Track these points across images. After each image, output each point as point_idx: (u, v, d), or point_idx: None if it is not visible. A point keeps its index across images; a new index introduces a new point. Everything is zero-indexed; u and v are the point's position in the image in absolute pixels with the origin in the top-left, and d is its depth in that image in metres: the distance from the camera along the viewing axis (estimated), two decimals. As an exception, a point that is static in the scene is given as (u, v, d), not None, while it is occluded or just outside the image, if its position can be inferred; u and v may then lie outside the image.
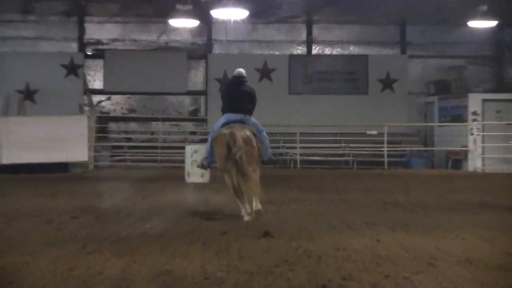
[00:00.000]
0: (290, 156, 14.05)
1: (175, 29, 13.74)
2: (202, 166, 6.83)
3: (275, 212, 6.62)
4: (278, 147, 14.22)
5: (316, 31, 14.63)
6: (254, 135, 6.35)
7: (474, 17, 12.13)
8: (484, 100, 13.07)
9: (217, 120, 6.68)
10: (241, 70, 6.98)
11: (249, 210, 6.04)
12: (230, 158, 6.04)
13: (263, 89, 13.22)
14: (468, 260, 4.16)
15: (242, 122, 6.44)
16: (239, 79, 6.79)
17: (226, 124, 6.40)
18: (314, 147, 13.95)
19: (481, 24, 12.61)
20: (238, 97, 6.60)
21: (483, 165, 12.85)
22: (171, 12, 11.84)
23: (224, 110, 6.63)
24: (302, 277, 3.68)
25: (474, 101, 12.96)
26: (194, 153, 10.20)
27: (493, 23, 12.60)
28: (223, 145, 6.15)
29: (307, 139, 13.85)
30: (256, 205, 6.09)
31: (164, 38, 14.54)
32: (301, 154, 13.81)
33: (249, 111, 6.61)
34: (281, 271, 3.82)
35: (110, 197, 8.07)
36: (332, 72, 14.65)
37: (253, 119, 6.65)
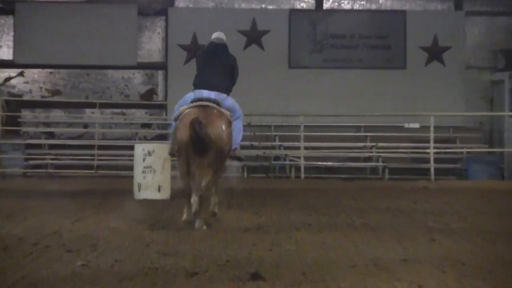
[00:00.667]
0: (290, 160, 14.87)
1: None
2: (172, 154, 7.95)
3: (269, 244, 6.76)
4: (273, 147, 15.12)
5: None
6: (227, 121, 7.42)
7: None
8: None
9: (183, 96, 7.67)
10: (221, 34, 7.91)
11: (194, 210, 7.27)
12: (189, 145, 7.15)
13: (250, 60, 14.48)
14: None
15: (215, 102, 7.34)
16: (217, 46, 7.72)
17: (193, 102, 7.41)
18: (325, 147, 14.81)
19: None
20: (213, 70, 7.53)
21: None
22: None
23: (195, 86, 7.57)
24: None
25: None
26: (147, 155, 10.67)
27: None
28: (185, 127, 7.16)
29: (315, 136, 14.61)
30: (213, 206, 7.51)
31: None
32: (306, 158, 14.57)
33: (226, 88, 7.51)
34: None
35: (23, 220, 8.30)
36: (353, 35, 15.60)
37: (230, 100, 7.53)
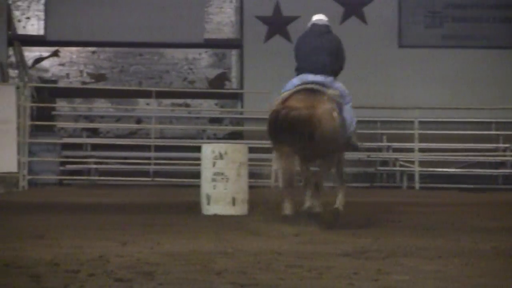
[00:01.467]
0: (401, 166, 15.62)
1: None
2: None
3: (374, 272, 6.90)
4: (380, 149, 15.76)
5: None
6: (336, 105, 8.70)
7: None
8: None
9: (287, 82, 8.99)
10: (322, 16, 9.37)
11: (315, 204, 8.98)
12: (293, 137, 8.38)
13: (349, 37, 14.37)
14: None
15: (322, 85, 8.66)
16: (320, 27, 9.19)
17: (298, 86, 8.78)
18: (446, 150, 15.46)
19: None
20: (317, 53, 8.97)
21: None
22: None
23: (298, 70, 9.03)
24: None
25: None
26: (218, 159, 11.06)
27: None
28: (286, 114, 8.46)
29: (433, 134, 15.31)
30: (339, 201, 9.22)
31: None
32: (422, 163, 15.42)
33: (333, 72, 8.93)
34: None
35: (59, 242, 8.58)
36: (481, 5, 16.19)
37: (338, 83, 8.91)
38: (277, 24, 16.36)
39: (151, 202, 12.55)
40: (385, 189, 15.53)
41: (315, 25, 9.51)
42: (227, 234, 9.40)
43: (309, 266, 6.87)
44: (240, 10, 16.83)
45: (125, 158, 15.90)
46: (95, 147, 16.32)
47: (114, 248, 8.13)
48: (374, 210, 11.87)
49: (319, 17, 9.63)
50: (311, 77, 8.90)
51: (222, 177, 11.05)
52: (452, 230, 9.91)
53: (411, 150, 15.53)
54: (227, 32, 17.24)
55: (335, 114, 8.65)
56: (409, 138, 15.37)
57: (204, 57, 17.90)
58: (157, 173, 15.39)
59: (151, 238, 9.00)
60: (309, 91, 8.84)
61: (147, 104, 16.97)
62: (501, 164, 15.53)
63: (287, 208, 9.27)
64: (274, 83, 15.99)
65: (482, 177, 15.40)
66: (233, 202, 11.07)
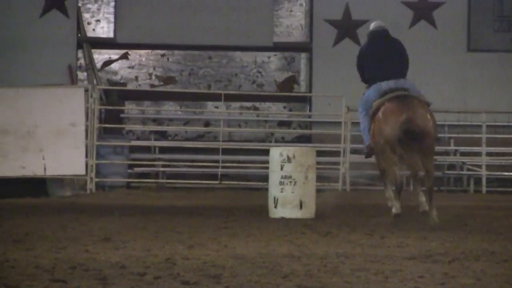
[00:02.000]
0: (468, 169, 16.02)
1: None
2: (370, 154, 10.48)
3: (441, 276, 7.02)
4: (447, 153, 16.06)
5: None
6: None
7: None
8: None
9: (365, 94, 9.89)
10: (380, 22, 9.97)
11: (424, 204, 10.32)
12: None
13: (418, 41, 15.89)
14: None
15: (408, 90, 9.46)
16: (383, 33, 9.81)
17: (386, 93, 9.45)
18: None
19: None
20: (390, 58, 9.64)
21: None
22: None
23: (372, 80, 9.60)
24: None
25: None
26: (286, 162, 11.25)
27: None
28: (396, 122, 9.32)
29: (501, 138, 15.70)
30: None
31: None
32: (489, 167, 15.80)
33: (405, 74, 9.59)
34: None
35: (125, 245, 8.81)
36: None
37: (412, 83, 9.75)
38: (346, 28, 16.74)
39: (218, 205, 12.84)
40: (452, 193, 15.87)
41: (377, 32, 10.17)
42: (294, 237, 9.59)
43: (376, 270, 6.94)
44: (310, 14, 17.31)
45: (193, 161, 16.27)
46: (163, 149, 16.81)
47: (181, 250, 8.29)
48: (441, 213, 11.83)
49: (378, 24, 10.27)
50: (392, 83, 9.70)
51: (290, 180, 11.24)
52: (520, 234, 10.57)
53: (478, 154, 15.89)
54: (297, 35, 17.72)
55: (431, 115, 9.81)
56: (477, 142, 15.70)
57: (273, 60, 18.39)
58: (225, 176, 15.73)
59: (218, 241, 9.18)
60: (405, 98, 9.67)
61: (216, 107, 17.44)
62: None
63: (397, 208, 10.26)
64: (342, 87, 16.36)
65: None
66: (301, 205, 11.34)
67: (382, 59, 10.10)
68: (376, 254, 8.30)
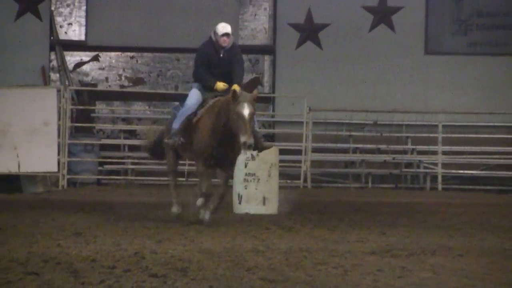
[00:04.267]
0: (425, 167, 16.31)
1: None
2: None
3: (399, 270, 7.11)
4: (405, 152, 16.25)
5: None
6: None
7: None
8: None
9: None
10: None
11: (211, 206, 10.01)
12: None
13: (377, 44, 16.42)
14: None
15: None
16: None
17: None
18: (469, 153, 16.09)
19: None
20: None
21: None
22: None
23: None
24: None
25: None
26: (250, 160, 11.58)
27: None
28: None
29: (456, 138, 15.94)
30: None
31: None
32: (445, 165, 16.08)
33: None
34: None
35: (96, 239, 8.87)
36: (507, 14, 16.88)
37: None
38: (308, 31, 16.98)
39: (185, 201, 12.65)
40: (410, 190, 16.10)
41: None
42: (259, 233, 9.76)
43: (336, 264, 7.02)
44: (273, 18, 17.55)
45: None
46: (132, 148, 16.88)
47: (149, 245, 8.35)
48: (400, 210, 12.17)
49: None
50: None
51: (254, 177, 11.43)
52: (476, 229, 10.21)
53: (435, 152, 16.11)
54: (261, 38, 17.91)
55: None
56: (433, 141, 15.93)
57: None
58: (191, 173, 15.51)
59: (185, 236, 9.33)
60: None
61: (184, 106, 17.46)
62: None
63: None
64: (305, 88, 16.58)
65: (505, 179, 15.93)
66: (264, 201, 11.52)
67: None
68: (338, 249, 8.33)
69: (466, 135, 16.05)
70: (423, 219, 11.42)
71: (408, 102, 16.10)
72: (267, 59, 17.89)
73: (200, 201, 10.44)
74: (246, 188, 11.40)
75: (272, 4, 17.59)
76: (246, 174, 11.46)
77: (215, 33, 10.99)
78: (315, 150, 16.60)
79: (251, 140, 9.91)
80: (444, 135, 15.66)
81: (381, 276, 6.78)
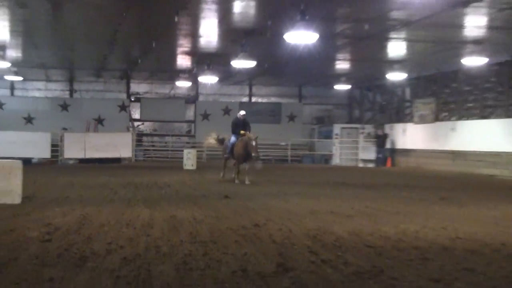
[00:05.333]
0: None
1: (179, 87, 42.78)
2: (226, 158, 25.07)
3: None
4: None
5: (254, 89, 45.07)
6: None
7: (338, 83, 42.78)
8: (342, 128, 43.51)
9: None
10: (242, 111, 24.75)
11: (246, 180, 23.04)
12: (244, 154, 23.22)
13: (227, 119, 42.96)
14: (332, 211, 14.11)
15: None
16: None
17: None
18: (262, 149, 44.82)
19: (342, 87, 43.39)
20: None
21: (340, 162, 43.35)
22: (177, 78, 42.05)
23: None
24: (242, 219, 12.58)
25: (337, 128, 43.47)
26: (188, 154, 32.27)
27: (348, 87, 43.45)
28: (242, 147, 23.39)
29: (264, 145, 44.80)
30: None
31: (173, 91, 44.17)
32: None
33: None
34: (235, 216, 12.92)
35: (144, 176, 23.59)
36: (261, 111, 44.36)
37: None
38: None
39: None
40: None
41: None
42: (191, 174, 28.00)
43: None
44: (195, 112, 42.76)
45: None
46: (154, 150, 42.72)
47: None
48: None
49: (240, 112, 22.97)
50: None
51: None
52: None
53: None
54: (191, 117, 42.75)
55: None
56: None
57: (184, 125, 44.04)
58: None
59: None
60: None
61: None
62: (271, 155, 45.04)
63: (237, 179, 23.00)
64: None
65: (277, 160, 44.29)
66: (192, 165, 31.80)
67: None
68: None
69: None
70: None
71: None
72: (193, 124, 46.29)
73: (246, 179, 22.24)
74: (186, 161, 38.36)
75: (194, 107, 44.11)
76: (186, 159, 39.10)
77: (239, 114, 23.97)
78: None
79: (258, 154, 22.30)
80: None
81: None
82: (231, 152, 23.67)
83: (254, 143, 22.17)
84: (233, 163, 24.16)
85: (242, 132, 23.24)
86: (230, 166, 24.87)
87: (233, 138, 23.76)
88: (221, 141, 26.25)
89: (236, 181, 23.00)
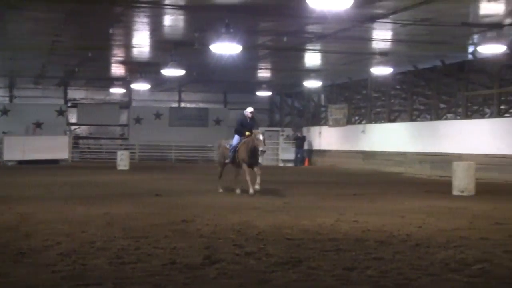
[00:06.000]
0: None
1: (113, 93, 43.37)
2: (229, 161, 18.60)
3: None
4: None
5: (183, 95, 45.44)
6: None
7: (260, 89, 42.92)
8: (266, 131, 43.78)
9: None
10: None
11: (256, 186, 17.37)
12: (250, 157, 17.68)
13: (158, 123, 44.27)
14: (255, 207, 14.77)
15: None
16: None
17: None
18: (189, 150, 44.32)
19: (263, 93, 43.56)
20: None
21: (263, 161, 43.64)
22: (112, 85, 42.11)
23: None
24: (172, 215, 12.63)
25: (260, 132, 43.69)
26: (122, 155, 34.93)
27: (269, 93, 43.65)
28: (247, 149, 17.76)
29: (182, 147, 44.26)
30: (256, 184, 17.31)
31: (108, 97, 44.42)
32: (175, 155, 44.11)
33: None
34: (165, 212, 13.11)
35: (80, 176, 24.37)
36: (190, 116, 45.21)
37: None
38: None
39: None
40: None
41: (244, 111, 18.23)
42: (124, 174, 30.54)
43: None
44: (128, 116, 43.71)
45: None
46: (90, 151, 43.51)
47: None
48: None
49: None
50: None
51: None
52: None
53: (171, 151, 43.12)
54: (125, 121, 43.61)
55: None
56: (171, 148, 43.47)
57: (118, 128, 45.01)
58: None
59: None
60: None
61: None
62: (192, 156, 45.37)
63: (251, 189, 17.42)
64: None
65: (199, 160, 43.65)
66: (125, 165, 32.90)
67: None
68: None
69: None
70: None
71: None
72: (126, 127, 47.42)
73: (254, 188, 17.46)
74: (120, 161, 38.85)
75: (128, 112, 45.22)
76: (120, 159, 38.89)
77: (246, 111, 18.66)
78: None
79: (265, 148, 17.81)
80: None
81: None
82: (234, 156, 18.73)
83: (261, 136, 17.93)
84: (236, 173, 19.27)
85: (247, 133, 18.41)
86: (237, 174, 19.35)
87: (235, 140, 18.83)
88: (219, 146, 20.86)
89: (238, 191, 18.52)
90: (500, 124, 27.45)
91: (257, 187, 17.51)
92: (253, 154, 17.88)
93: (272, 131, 43.63)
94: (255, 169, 17.92)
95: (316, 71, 33.46)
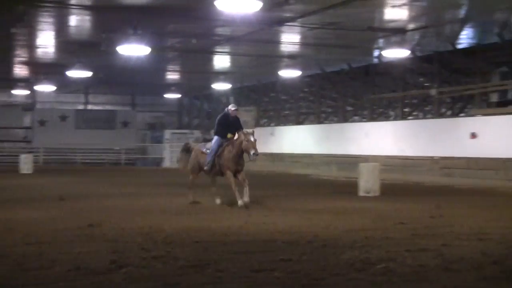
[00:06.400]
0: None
1: (16, 95, 42.76)
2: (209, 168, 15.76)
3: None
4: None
5: (90, 97, 44.85)
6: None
7: (168, 92, 42.67)
8: (172, 133, 43.59)
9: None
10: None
11: (245, 199, 14.88)
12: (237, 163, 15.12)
13: (64, 126, 43.45)
14: (163, 210, 15.36)
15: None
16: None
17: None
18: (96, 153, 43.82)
19: (172, 96, 43.37)
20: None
21: (171, 164, 43.45)
22: (14, 86, 41.13)
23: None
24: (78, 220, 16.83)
25: (167, 133, 43.49)
26: (25, 158, 34.03)
27: (178, 95, 43.51)
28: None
29: (89, 149, 44.03)
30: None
31: (11, 99, 43.92)
32: (82, 158, 43.74)
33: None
34: (70, 217, 13.28)
35: None
36: (97, 118, 44.75)
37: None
38: None
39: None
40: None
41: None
42: (29, 178, 28.80)
43: None
44: (32, 119, 43.55)
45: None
46: None
47: None
48: None
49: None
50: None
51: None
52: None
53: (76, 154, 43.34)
54: (28, 124, 43.18)
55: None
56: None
57: (21, 131, 43.67)
58: None
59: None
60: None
61: None
62: (106, 159, 44.58)
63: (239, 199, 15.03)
64: None
65: (108, 162, 42.70)
66: (29, 169, 30.90)
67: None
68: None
69: None
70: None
71: None
72: (30, 130, 46.06)
73: (242, 201, 15.01)
74: (24, 165, 37.97)
75: (32, 114, 44.84)
76: (24, 163, 37.28)
77: (228, 108, 15.64)
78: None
79: (257, 152, 14.98)
80: None
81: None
82: (213, 163, 15.92)
83: (253, 138, 15.14)
84: (212, 183, 16.77)
85: (229, 135, 15.78)
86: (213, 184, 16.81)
87: (215, 143, 15.88)
88: (186, 149, 17.54)
89: (218, 200, 16.12)
90: (403, 127, 28.28)
91: (246, 199, 15.03)
92: (240, 160, 15.39)
93: (181, 133, 43.60)
94: (240, 177, 15.38)
95: (225, 73, 33.69)
